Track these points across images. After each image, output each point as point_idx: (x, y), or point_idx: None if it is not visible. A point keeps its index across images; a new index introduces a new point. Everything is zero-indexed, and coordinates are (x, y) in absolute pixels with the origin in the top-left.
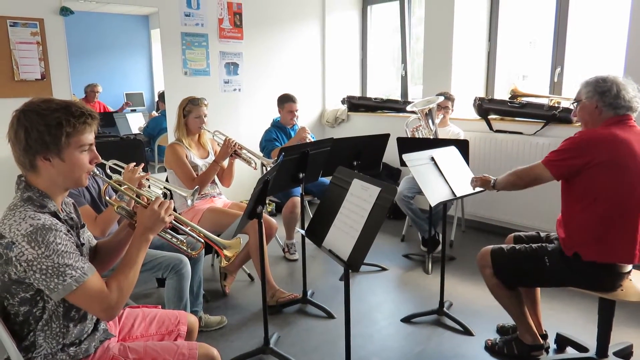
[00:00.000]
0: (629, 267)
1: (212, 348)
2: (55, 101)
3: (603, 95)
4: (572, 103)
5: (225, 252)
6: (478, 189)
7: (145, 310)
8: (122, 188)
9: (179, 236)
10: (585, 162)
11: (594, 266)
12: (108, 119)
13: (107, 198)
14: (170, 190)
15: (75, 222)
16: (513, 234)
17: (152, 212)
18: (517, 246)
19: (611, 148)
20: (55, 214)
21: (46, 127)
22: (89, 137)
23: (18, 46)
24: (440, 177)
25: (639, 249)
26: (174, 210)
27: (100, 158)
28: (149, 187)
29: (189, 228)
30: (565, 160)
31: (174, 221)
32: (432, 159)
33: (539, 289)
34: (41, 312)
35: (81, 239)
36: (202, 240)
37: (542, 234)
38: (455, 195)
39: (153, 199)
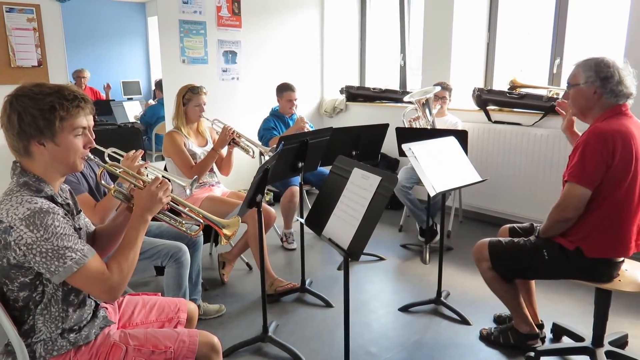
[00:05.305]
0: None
1: (213, 336)
2: (48, 85)
3: (606, 81)
4: (566, 86)
5: (225, 230)
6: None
7: (145, 297)
8: (118, 172)
9: (177, 217)
10: (611, 163)
11: (594, 260)
12: (105, 107)
13: (103, 182)
14: (169, 180)
15: (72, 208)
16: (507, 226)
17: (149, 192)
18: (515, 239)
19: (630, 146)
20: (52, 198)
21: (39, 111)
22: (83, 120)
23: (14, 32)
24: (440, 167)
25: (634, 240)
26: None
27: (94, 142)
28: (147, 175)
29: (187, 209)
30: (595, 168)
31: (172, 202)
32: (432, 148)
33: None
34: (40, 297)
35: (77, 224)
36: (201, 221)
37: (536, 225)
38: (455, 185)
39: (150, 181)
